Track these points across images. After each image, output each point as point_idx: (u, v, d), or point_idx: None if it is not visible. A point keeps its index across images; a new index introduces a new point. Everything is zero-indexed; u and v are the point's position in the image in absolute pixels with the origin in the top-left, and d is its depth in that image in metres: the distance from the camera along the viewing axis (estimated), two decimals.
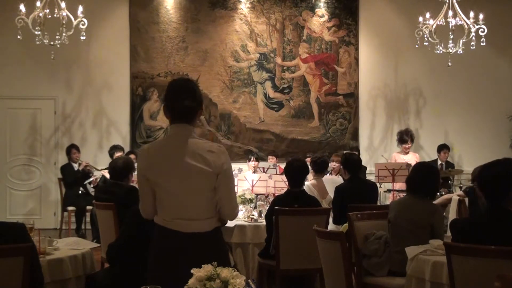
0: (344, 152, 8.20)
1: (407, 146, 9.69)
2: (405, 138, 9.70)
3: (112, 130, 10.29)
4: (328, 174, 7.69)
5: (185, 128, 2.85)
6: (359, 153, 8.67)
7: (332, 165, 8.10)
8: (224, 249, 3.02)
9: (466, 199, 6.59)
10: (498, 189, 3.22)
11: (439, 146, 10.07)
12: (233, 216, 3.00)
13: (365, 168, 9.21)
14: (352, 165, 6.15)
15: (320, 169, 6.68)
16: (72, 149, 9.43)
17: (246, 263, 5.80)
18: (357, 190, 5.94)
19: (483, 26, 7.85)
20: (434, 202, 4.89)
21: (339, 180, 6.78)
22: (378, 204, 7.40)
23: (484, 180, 3.32)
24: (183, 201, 2.82)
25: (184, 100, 2.83)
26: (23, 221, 3.56)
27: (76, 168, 9.30)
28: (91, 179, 9.07)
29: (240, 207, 5.90)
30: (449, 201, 7.31)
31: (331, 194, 6.48)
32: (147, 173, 2.85)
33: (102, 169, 8.79)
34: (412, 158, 9.45)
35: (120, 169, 5.44)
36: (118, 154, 8.66)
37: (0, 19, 9.64)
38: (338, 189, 6.04)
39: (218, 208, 2.89)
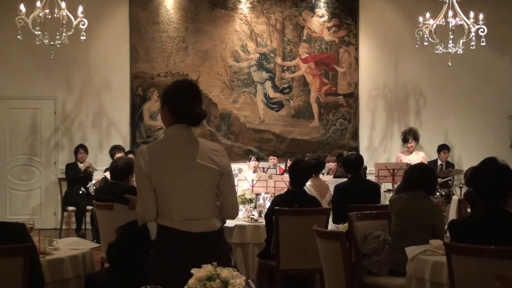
0: (343, 152, 8.20)
1: (409, 145, 9.72)
2: (407, 137, 9.73)
3: (112, 130, 10.28)
4: (325, 174, 7.69)
5: (186, 128, 2.87)
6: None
7: (329, 165, 8.09)
8: (227, 248, 3.05)
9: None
10: (494, 191, 3.21)
11: (439, 146, 10.09)
12: (235, 215, 3.07)
13: (366, 168, 9.20)
14: (351, 165, 6.14)
15: (317, 170, 6.68)
16: (79, 149, 9.53)
17: (246, 263, 5.80)
18: (357, 189, 5.92)
19: (483, 26, 7.86)
20: None
21: (342, 181, 6.77)
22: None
23: (479, 185, 3.31)
24: (193, 200, 2.81)
25: (195, 107, 2.85)
26: (23, 221, 3.56)
27: (80, 168, 9.37)
28: (93, 181, 9.07)
29: (240, 207, 5.90)
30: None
31: None
32: (151, 172, 2.77)
33: (104, 170, 8.74)
34: (417, 158, 9.41)
35: (120, 169, 5.45)
36: (119, 154, 8.66)
37: (0, 19, 9.64)
38: (337, 188, 6.02)
39: (220, 208, 2.92)
